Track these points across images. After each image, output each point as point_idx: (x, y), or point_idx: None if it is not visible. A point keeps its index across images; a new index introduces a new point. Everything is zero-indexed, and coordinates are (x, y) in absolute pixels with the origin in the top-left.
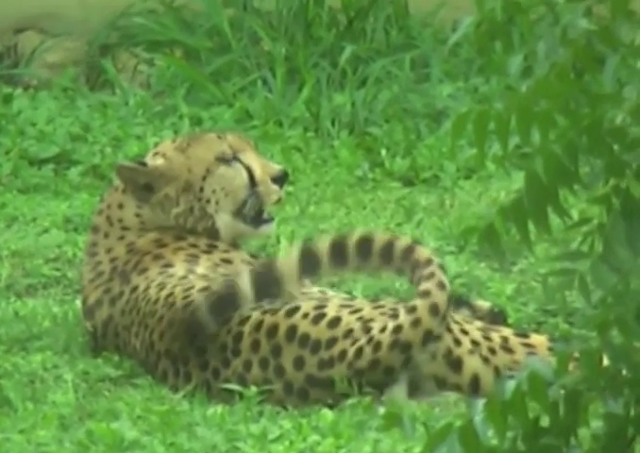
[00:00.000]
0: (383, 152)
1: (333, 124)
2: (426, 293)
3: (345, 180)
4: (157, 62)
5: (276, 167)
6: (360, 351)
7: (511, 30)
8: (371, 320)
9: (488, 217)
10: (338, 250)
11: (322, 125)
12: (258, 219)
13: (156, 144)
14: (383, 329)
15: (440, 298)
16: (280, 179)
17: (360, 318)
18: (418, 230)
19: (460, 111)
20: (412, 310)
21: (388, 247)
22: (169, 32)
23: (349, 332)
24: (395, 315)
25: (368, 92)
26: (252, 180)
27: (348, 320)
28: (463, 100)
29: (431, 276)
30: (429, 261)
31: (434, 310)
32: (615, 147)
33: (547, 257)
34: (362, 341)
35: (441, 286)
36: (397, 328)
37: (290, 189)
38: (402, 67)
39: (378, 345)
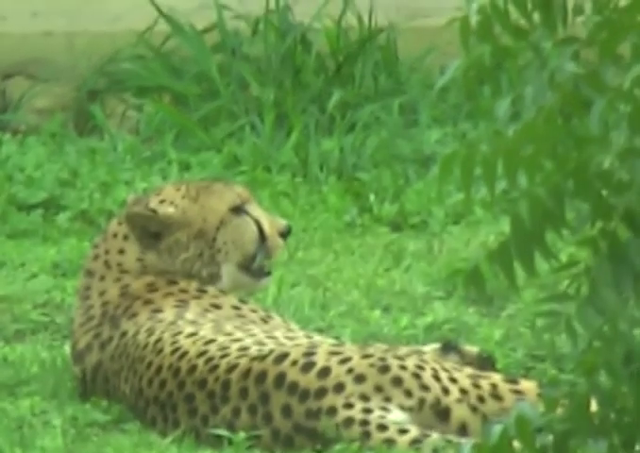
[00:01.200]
0: (372, 197)
1: (322, 169)
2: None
3: (333, 225)
4: (145, 108)
5: (282, 222)
6: (349, 421)
7: (498, 75)
8: (361, 376)
9: (474, 260)
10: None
11: (310, 171)
12: (260, 272)
13: (150, 189)
14: (381, 427)
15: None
16: (286, 234)
17: (350, 371)
18: (406, 275)
19: (446, 154)
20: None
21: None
22: (157, 78)
23: (340, 387)
24: (384, 367)
25: (357, 137)
26: (262, 234)
27: (338, 372)
28: (451, 145)
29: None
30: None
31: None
32: (603, 191)
33: (536, 301)
34: (355, 411)
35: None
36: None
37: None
38: (390, 112)
39: (367, 434)
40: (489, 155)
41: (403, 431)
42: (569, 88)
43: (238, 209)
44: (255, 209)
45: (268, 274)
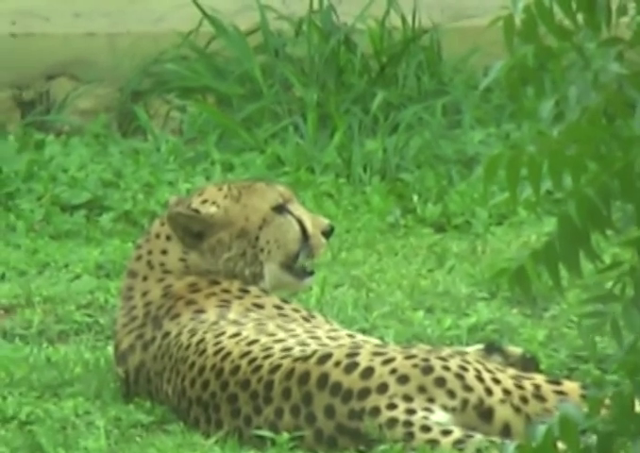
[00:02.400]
0: (415, 198)
1: (365, 170)
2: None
3: (376, 226)
4: (189, 109)
5: (324, 221)
6: (393, 422)
7: (542, 76)
8: (405, 377)
9: (519, 260)
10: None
11: (354, 172)
12: (303, 272)
13: (192, 190)
14: (425, 428)
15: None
16: (328, 233)
17: (393, 371)
18: (450, 276)
19: (491, 155)
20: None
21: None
22: (201, 78)
23: (383, 387)
24: (427, 368)
25: (400, 138)
26: (304, 233)
27: (382, 372)
28: (494, 146)
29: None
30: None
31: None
32: None
33: (580, 302)
34: (398, 411)
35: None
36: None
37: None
38: (434, 113)
39: (410, 434)
40: (534, 156)
41: (446, 432)
42: (613, 88)
43: (280, 208)
44: (297, 208)
45: (311, 273)
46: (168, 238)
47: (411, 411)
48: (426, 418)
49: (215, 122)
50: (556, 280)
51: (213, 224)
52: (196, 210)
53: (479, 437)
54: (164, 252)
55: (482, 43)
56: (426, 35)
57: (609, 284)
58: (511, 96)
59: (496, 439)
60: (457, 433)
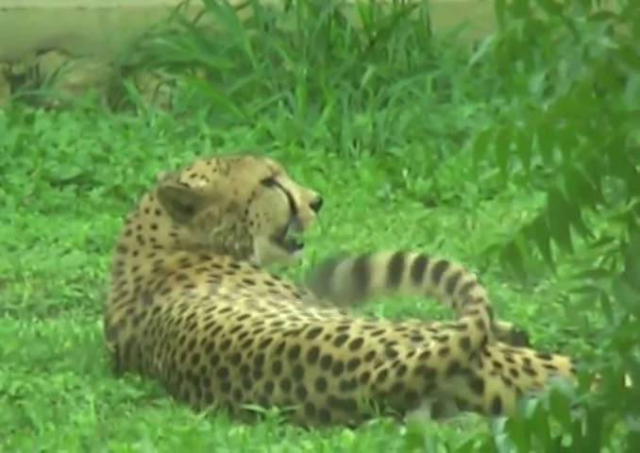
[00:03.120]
0: (405, 173)
1: (355, 144)
2: (463, 327)
3: (366, 201)
4: (178, 83)
5: (313, 194)
6: (384, 374)
7: (532, 50)
8: (394, 342)
9: (510, 236)
10: (395, 267)
11: (343, 146)
12: (293, 244)
13: (182, 164)
14: (410, 354)
15: (474, 335)
16: (317, 205)
17: (382, 340)
18: (440, 251)
19: (481, 130)
20: (443, 339)
21: (447, 275)
22: (191, 53)
23: (371, 354)
24: (417, 337)
25: (390, 112)
26: (293, 206)
27: (370, 341)
28: (484, 121)
29: (475, 313)
30: (479, 300)
31: (465, 344)
32: (638, 167)
33: (569, 277)
34: (387, 364)
35: (480, 325)
36: (425, 355)
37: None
38: (424, 88)
39: (403, 370)
40: (524, 130)
41: (426, 345)
42: (603, 63)
43: (269, 181)
44: (286, 181)
45: (301, 246)
46: (157, 212)
47: (397, 361)
48: (408, 351)
49: (205, 96)
50: (547, 255)
51: (203, 198)
52: (185, 184)
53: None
54: (154, 227)
55: (472, 18)
56: (415, 9)
57: (599, 259)
58: (500, 71)
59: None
60: (434, 344)
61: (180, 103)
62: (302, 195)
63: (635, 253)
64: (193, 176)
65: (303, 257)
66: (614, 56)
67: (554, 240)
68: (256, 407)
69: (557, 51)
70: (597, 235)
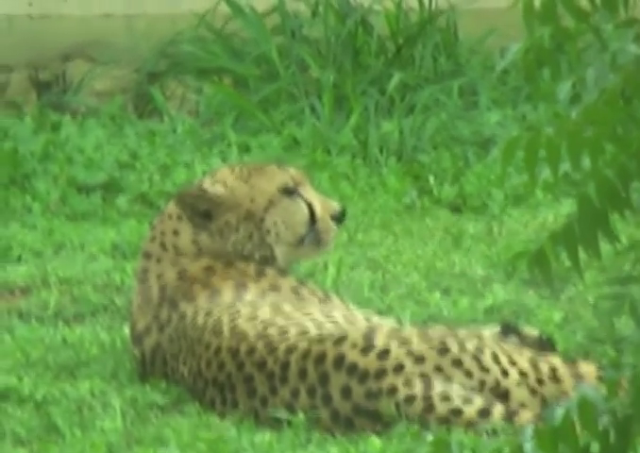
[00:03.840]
0: (431, 179)
1: (381, 151)
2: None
3: (392, 208)
4: (205, 90)
5: (335, 205)
6: (412, 399)
7: (559, 57)
8: (421, 357)
9: (538, 242)
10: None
11: (370, 153)
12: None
13: (208, 172)
14: (445, 399)
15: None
16: (340, 218)
17: (409, 352)
18: (466, 258)
19: (509, 137)
20: (486, 407)
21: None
22: (217, 60)
23: (400, 367)
24: (444, 349)
25: (416, 119)
26: (312, 217)
27: (398, 353)
28: (510, 127)
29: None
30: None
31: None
32: None
33: (596, 284)
34: (417, 389)
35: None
36: (458, 413)
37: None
38: (450, 94)
39: (430, 408)
40: (553, 137)
41: (468, 401)
42: (631, 70)
43: (289, 191)
44: (308, 192)
45: (327, 243)
46: (180, 218)
47: (428, 386)
48: (445, 391)
49: (232, 103)
50: (575, 262)
51: (220, 204)
52: (204, 190)
53: (501, 407)
54: (176, 233)
55: (499, 25)
56: (442, 16)
57: (626, 265)
58: (527, 78)
59: (516, 408)
60: (479, 401)
61: (207, 110)
62: (324, 206)
63: None
64: (215, 182)
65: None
66: None
67: (582, 246)
68: (282, 413)
69: (584, 58)
70: (624, 241)
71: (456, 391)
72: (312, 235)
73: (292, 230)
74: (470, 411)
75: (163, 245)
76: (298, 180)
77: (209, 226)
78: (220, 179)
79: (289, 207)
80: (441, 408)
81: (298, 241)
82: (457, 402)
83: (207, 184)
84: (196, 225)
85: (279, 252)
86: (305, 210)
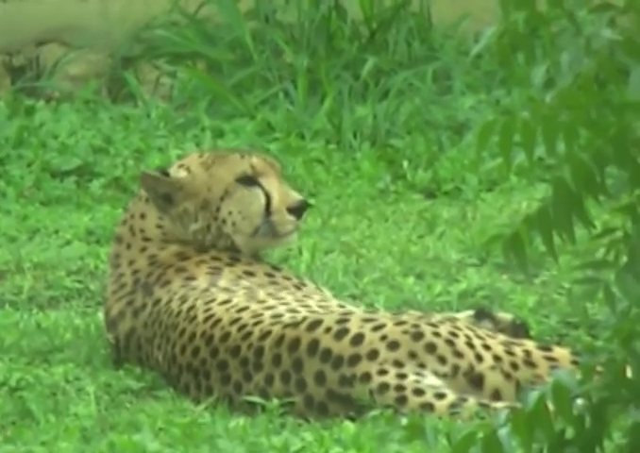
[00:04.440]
0: (405, 164)
1: (355, 136)
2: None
3: (366, 192)
4: (179, 75)
5: (294, 197)
6: (385, 387)
7: (533, 42)
8: (395, 343)
9: (512, 226)
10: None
11: (344, 138)
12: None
13: (181, 156)
14: (419, 392)
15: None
16: (298, 210)
17: (383, 337)
18: (440, 242)
19: (484, 121)
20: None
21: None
22: (191, 44)
23: (373, 353)
24: (418, 334)
25: (390, 104)
26: (268, 208)
27: (371, 338)
28: (484, 112)
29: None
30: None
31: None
32: None
33: (570, 269)
34: (390, 376)
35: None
36: (429, 406)
37: (312, 201)
38: (424, 79)
39: (403, 399)
40: (528, 122)
41: (440, 396)
42: (605, 54)
43: (247, 180)
44: (270, 183)
45: (288, 234)
46: (147, 201)
47: (402, 376)
48: (418, 382)
49: (205, 88)
50: (550, 246)
51: (180, 189)
52: (166, 173)
53: (472, 401)
54: (143, 216)
55: (473, 9)
56: (416, 1)
57: (600, 250)
58: (501, 63)
59: (488, 402)
60: (451, 396)
61: (181, 94)
62: (282, 198)
63: (639, 244)
64: (180, 166)
65: (294, 240)
66: (615, 47)
67: (557, 230)
68: (256, 398)
69: (558, 43)
70: (599, 226)
71: (429, 381)
72: (267, 226)
73: (248, 221)
74: (441, 405)
75: (132, 229)
76: (260, 170)
77: (170, 211)
78: (186, 164)
79: (244, 197)
80: (413, 401)
81: (254, 231)
82: (429, 396)
83: (173, 168)
84: (159, 207)
85: (239, 242)
86: (261, 201)
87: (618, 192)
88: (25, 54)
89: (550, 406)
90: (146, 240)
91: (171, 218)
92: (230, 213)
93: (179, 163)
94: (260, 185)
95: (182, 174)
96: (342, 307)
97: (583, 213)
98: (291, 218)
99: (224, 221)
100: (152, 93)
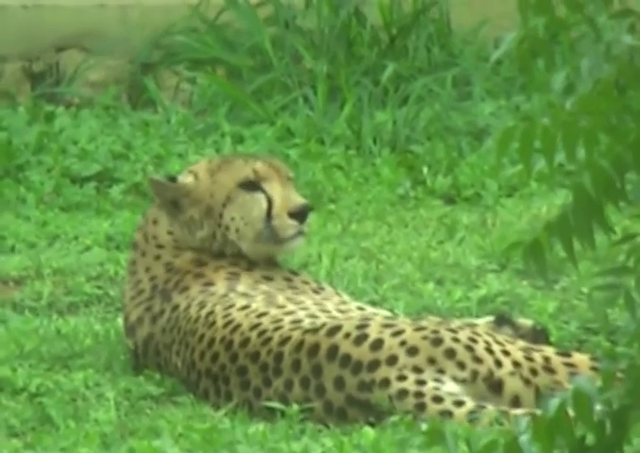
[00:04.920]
0: (425, 170)
1: (375, 142)
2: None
3: (386, 198)
4: (199, 81)
5: (296, 201)
6: (404, 393)
7: (553, 48)
8: (414, 348)
9: (532, 232)
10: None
11: (364, 144)
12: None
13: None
14: (438, 400)
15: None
16: (300, 214)
17: (402, 343)
18: (460, 248)
19: (504, 127)
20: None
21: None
22: (211, 50)
23: (393, 359)
24: (437, 340)
25: (410, 110)
26: (269, 213)
27: (391, 344)
28: (504, 118)
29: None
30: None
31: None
32: None
33: (590, 274)
34: (409, 382)
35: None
36: (448, 414)
37: (332, 207)
38: (444, 85)
39: (422, 406)
40: (548, 128)
41: (459, 403)
42: (625, 60)
43: (249, 185)
44: (273, 187)
45: (292, 238)
46: (160, 206)
47: (421, 382)
48: (437, 389)
49: (225, 94)
50: (570, 252)
51: (186, 195)
52: (173, 179)
53: (491, 408)
54: (155, 222)
55: (492, 15)
56: (435, 6)
57: (620, 256)
58: (521, 68)
59: (507, 409)
60: (470, 404)
61: (200, 100)
62: (284, 203)
63: None
64: (190, 172)
65: (301, 244)
66: (635, 53)
67: (577, 236)
68: (276, 404)
69: (578, 49)
70: (619, 232)
71: (448, 388)
72: (268, 231)
73: (250, 226)
74: (460, 412)
75: (146, 236)
76: (263, 174)
77: (178, 217)
78: (195, 170)
79: (246, 202)
80: (432, 408)
81: (257, 237)
82: (447, 403)
83: (183, 174)
84: (168, 213)
85: (245, 249)
86: (263, 206)
87: (638, 199)
88: (45, 60)
89: (571, 412)
90: (159, 247)
91: (180, 225)
92: (233, 219)
93: (190, 169)
94: (262, 190)
95: (189, 179)
96: (361, 309)
97: (603, 219)
98: (292, 222)
99: (227, 227)
100: (172, 99)
